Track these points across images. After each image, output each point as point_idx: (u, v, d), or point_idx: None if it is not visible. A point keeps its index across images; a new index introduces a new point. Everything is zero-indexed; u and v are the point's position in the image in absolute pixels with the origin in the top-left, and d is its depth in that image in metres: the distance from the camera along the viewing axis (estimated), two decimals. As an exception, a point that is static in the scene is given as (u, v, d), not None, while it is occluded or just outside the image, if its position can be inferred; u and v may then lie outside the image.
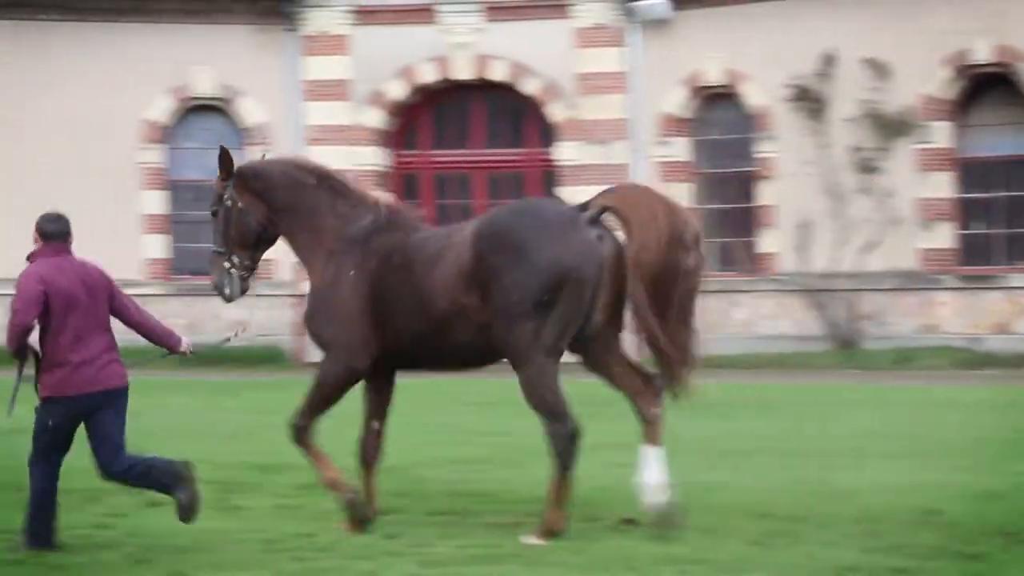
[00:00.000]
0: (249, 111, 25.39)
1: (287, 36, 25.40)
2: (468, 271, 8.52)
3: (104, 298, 8.48)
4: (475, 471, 11.40)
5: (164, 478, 8.27)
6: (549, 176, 24.99)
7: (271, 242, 9.47)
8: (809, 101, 23.25)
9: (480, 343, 8.65)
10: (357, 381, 9.04)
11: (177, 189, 25.60)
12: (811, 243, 23.24)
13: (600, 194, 8.75)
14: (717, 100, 24.51)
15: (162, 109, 25.28)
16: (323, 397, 9.00)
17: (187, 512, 8.25)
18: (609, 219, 8.59)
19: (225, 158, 9.30)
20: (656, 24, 24.26)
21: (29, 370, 8.35)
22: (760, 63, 23.73)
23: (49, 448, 8.34)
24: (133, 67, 24.93)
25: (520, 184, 25.24)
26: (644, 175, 23.60)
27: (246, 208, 9.23)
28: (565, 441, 8.39)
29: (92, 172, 24.68)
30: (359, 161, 24.41)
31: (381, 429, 9.15)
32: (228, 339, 10.11)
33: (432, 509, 9.61)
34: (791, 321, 23.57)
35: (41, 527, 8.35)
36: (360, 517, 8.83)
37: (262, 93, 25.31)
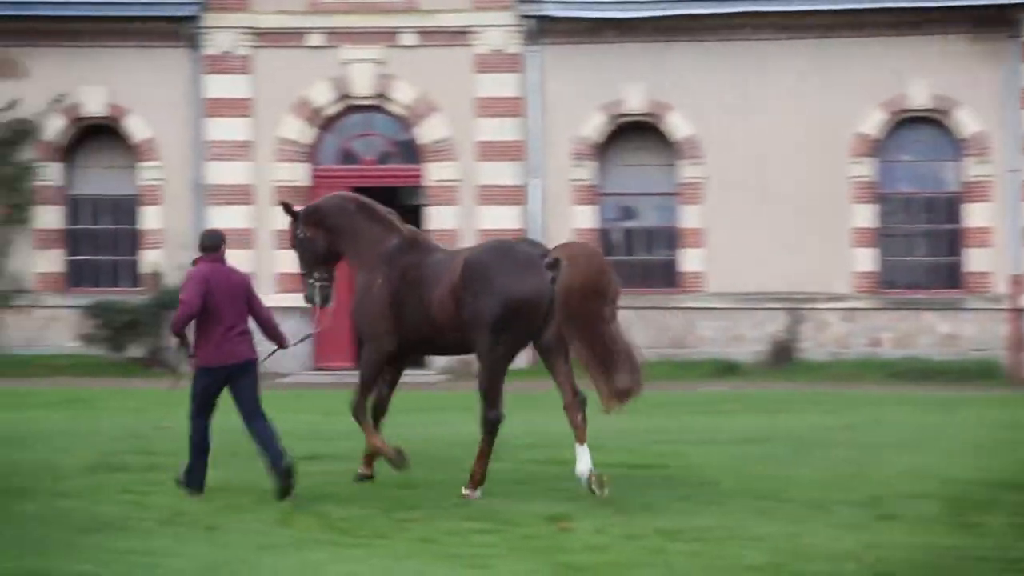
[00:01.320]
0: (964, 122, 24.78)
1: (1008, 43, 24.54)
2: (456, 291, 11.40)
3: (243, 296, 11.42)
4: None
5: (272, 462, 11.05)
6: None
7: (338, 258, 12.58)
8: None
9: (462, 341, 11.60)
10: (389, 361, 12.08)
11: (887, 202, 25.40)
12: None
13: (556, 247, 11.58)
14: None
15: (874, 122, 25.17)
16: (369, 377, 12.11)
17: (278, 495, 10.95)
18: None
19: (286, 208, 12.76)
20: None
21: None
22: None
23: (202, 406, 11.28)
24: (845, 81, 24.99)
25: None
26: None
27: (312, 236, 12.47)
28: (493, 425, 11.33)
29: (803, 185, 25.00)
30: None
31: (390, 395, 12.38)
32: (303, 338, 13.33)
33: None
34: None
35: (196, 472, 11.26)
36: (400, 468, 11.75)
37: (978, 103, 24.64)
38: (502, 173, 25.51)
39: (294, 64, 25.57)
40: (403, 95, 25.63)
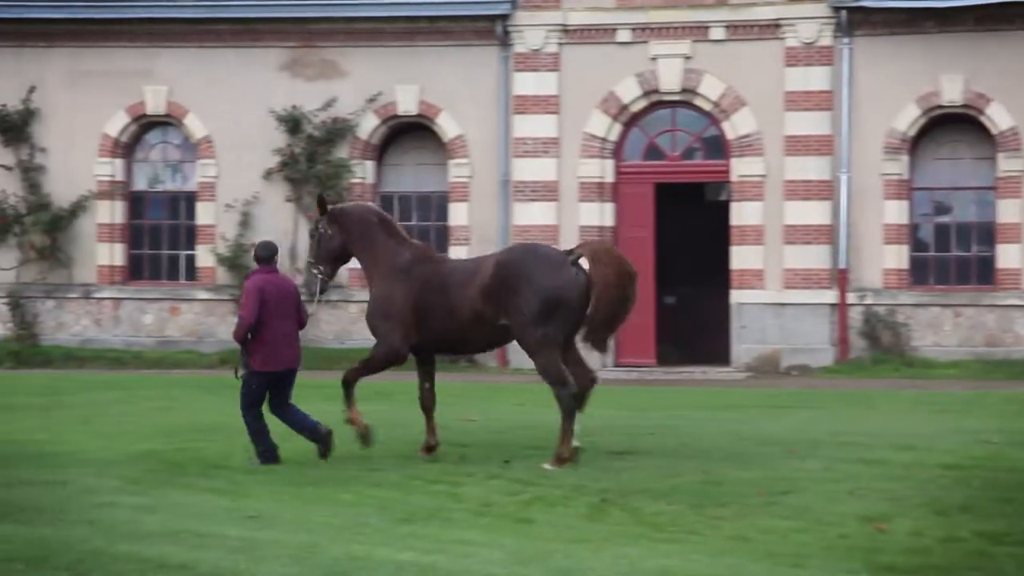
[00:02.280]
0: None
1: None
2: (487, 291, 12.78)
3: (293, 304, 12.83)
4: None
5: (312, 432, 12.77)
6: None
7: (347, 260, 13.83)
8: None
9: (490, 338, 13.25)
10: (397, 362, 13.35)
11: None
12: None
13: (578, 245, 13.43)
14: None
15: None
16: (371, 367, 13.33)
17: (322, 455, 12.76)
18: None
19: (320, 201, 13.82)
20: None
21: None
22: None
23: (252, 402, 12.65)
24: None
25: None
26: None
27: (332, 234, 13.57)
28: (568, 399, 12.57)
29: None
30: None
31: (432, 387, 13.42)
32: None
33: None
34: None
35: (266, 449, 12.63)
36: (366, 443, 13.17)
37: None
38: (810, 168, 25.08)
39: (602, 60, 25.66)
40: (710, 90, 25.45)
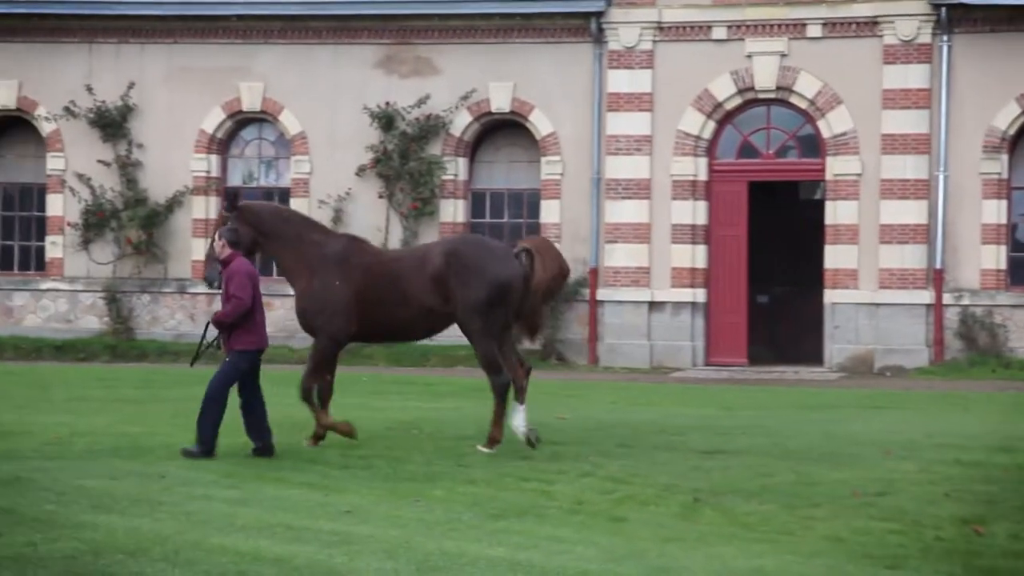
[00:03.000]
0: None
1: None
2: (439, 279, 13.26)
3: (258, 287, 12.98)
4: None
5: (257, 439, 12.85)
6: None
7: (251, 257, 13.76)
8: None
9: (432, 326, 13.67)
10: (339, 351, 13.73)
11: None
12: None
13: (523, 240, 14.25)
14: None
15: None
16: (318, 363, 13.52)
17: (255, 453, 12.83)
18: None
19: (232, 198, 13.98)
20: None
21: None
22: None
23: (232, 381, 12.85)
24: None
25: None
26: None
27: (243, 233, 13.34)
28: (502, 386, 13.27)
29: None
30: None
31: (331, 380, 13.70)
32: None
33: None
34: None
35: (211, 442, 12.61)
36: (354, 435, 13.39)
37: None
38: (906, 166, 24.80)
39: (696, 57, 25.55)
40: (806, 87, 25.23)
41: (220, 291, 13.20)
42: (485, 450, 13.13)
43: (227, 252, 13.02)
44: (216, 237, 13.30)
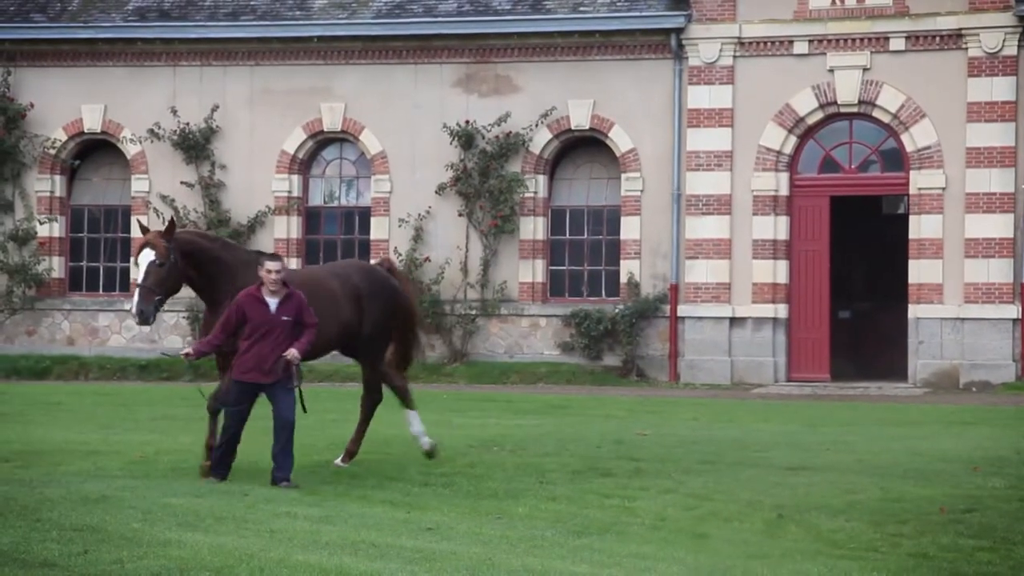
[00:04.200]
0: None
1: None
2: (359, 300, 13.64)
3: None
4: None
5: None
6: None
7: (178, 290, 13.27)
8: None
9: (346, 343, 13.88)
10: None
11: None
12: None
13: (378, 262, 15.63)
14: None
15: None
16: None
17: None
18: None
19: (171, 225, 13.18)
20: None
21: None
22: None
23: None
24: None
25: None
26: None
27: (181, 264, 12.94)
28: (376, 404, 13.96)
29: None
30: None
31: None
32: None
33: None
34: None
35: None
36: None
37: None
38: (991, 179, 24.50)
39: (777, 72, 25.41)
40: (889, 101, 25.02)
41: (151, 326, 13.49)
42: (341, 463, 13.54)
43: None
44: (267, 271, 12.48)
